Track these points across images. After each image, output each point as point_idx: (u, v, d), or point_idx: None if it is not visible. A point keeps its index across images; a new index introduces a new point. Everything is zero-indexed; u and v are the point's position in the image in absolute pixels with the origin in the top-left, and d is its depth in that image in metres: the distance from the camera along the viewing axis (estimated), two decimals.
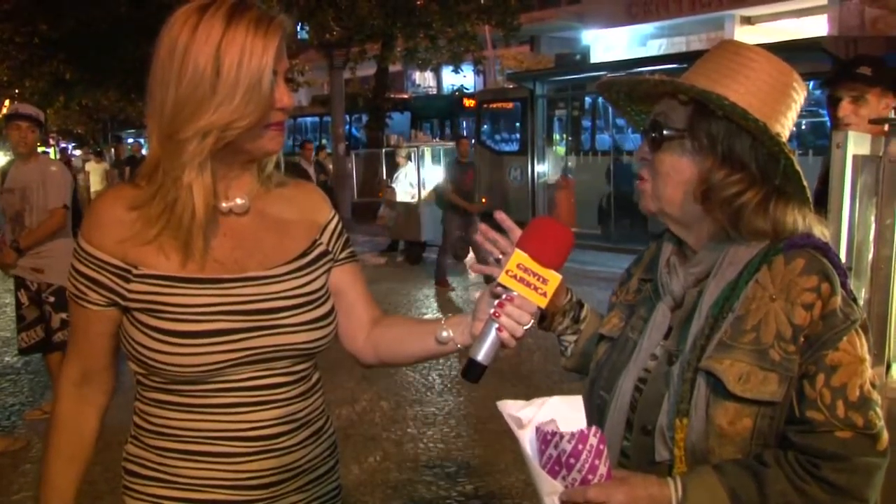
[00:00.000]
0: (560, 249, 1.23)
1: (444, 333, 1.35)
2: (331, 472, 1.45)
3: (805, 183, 1.21)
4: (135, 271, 1.28)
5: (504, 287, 1.22)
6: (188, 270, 1.28)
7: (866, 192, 2.14)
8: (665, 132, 1.25)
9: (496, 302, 1.24)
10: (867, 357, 1.17)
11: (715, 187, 1.21)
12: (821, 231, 1.24)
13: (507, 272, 1.21)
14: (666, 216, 1.30)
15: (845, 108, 2.85)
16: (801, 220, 1.22)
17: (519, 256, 1.22)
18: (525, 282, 1.21)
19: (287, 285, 1.35)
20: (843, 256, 2.03)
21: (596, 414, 1.33)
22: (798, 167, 1.19)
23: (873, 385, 1.17)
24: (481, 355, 1.23)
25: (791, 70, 1.26)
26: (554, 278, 1.22)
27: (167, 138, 1.25)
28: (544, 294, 1.22)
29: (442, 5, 15.28)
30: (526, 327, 1.24)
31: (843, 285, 1.19)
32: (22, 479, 4.15)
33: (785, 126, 1.24)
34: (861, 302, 2.20)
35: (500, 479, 4.03)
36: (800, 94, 1.26)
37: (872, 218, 2.17)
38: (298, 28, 16.70)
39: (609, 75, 1.40)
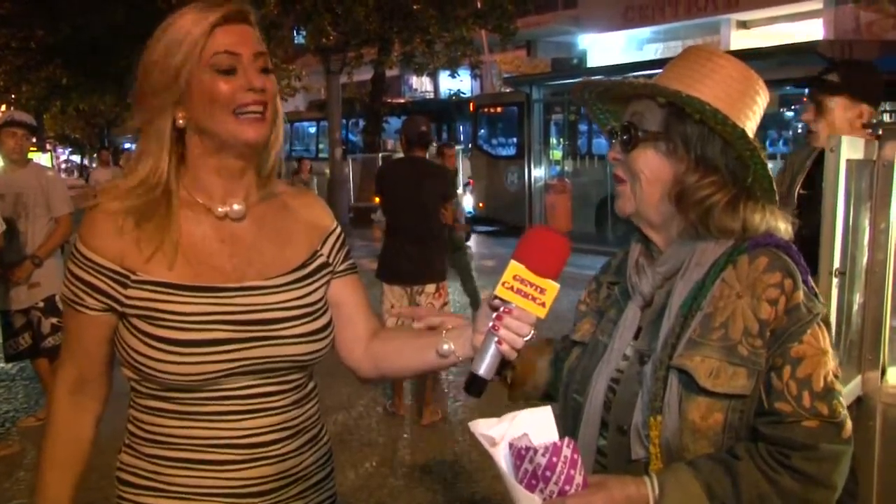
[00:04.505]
0: (556, 258, 1.21)
1: (445, 346, 1.34)
2: (326, 480, 1.45)
3: (774, 185, 1.26)
4: (133, 277, 1.28)
5: (502, 300, 1.21)
6: (186, 277, 1.28)
7: (860, 197, 2.15)
8: (640, 133, 1.28)
9: (494, 315, 1.22)
10: (830, 349, 1.21)
11: (689, 189, 1.25)
12: (785, 229, 1.28)
13: (503, 284, 1.20)
14: (641, 217, 1.33)
15: (808, 114, 2.81)
16: (768, 217, 1.26)
17: (515, 268, 1.20)
18: (523, 293, 1.20)
19: (285, 296, 1.34)
20: (837, 261, 2.03)
21: (571, 416, 1.36)
22: (768, 171, 1.24)
23: (836, 376, 1.21)
24: (483, 370, 1.22)
25: (756, 75, 1.30)
26: (552, 288, 1.21)
27: (144, 127, 1.30)
28: (542, 304, 1.20)
29: (438, 10, 15.29)
30: (526, 339, 1.23)
31: (805, 282, 1.23)
32: (16, 486, 4.13)
33: (750, 129, 1.28)
34: (856, 306, 2.20)
35: (496, 484, 4.02)
36: (763, 99, 1.31)
37: (867, 222, 2.17)
38: (295, 33, 16.70)
39: (584, 79, 1.42)
